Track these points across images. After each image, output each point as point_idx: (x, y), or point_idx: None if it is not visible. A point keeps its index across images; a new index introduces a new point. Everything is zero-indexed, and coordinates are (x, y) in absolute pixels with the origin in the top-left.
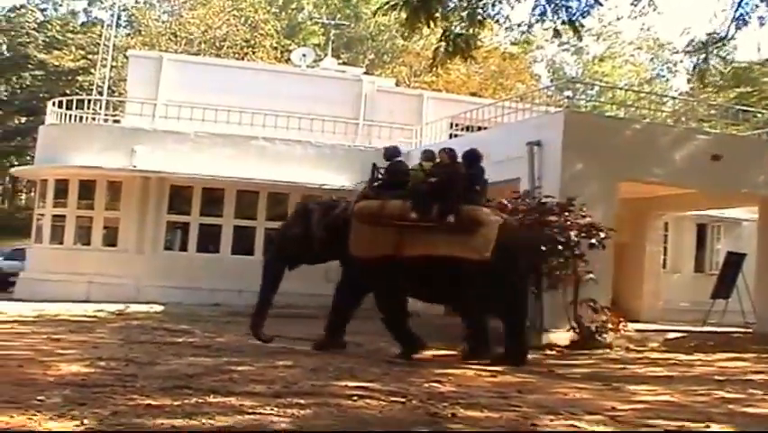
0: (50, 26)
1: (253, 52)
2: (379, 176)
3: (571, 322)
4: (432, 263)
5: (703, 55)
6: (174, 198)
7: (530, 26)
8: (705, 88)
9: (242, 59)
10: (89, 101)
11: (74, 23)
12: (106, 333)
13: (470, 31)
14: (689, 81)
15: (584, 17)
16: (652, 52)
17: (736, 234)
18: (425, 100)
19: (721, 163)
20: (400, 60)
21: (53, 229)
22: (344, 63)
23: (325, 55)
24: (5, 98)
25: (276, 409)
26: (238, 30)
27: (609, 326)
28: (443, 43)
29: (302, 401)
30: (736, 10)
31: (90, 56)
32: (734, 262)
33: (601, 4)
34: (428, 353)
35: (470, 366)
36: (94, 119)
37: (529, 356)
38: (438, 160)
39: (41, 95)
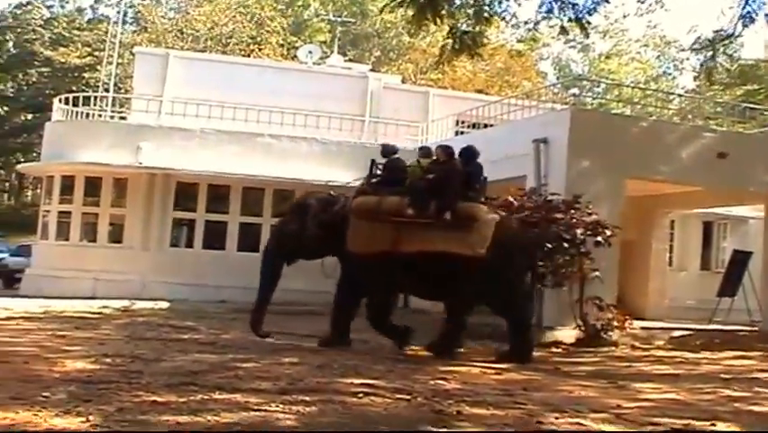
0: (56, 23)
1: (260, 49)
2: (378, 172)
3: (577, 320)
4: (428, 260)
5: (710, 53)
6: (180, 194)
7: (537, 23)
8: (712, 86)
9: (249, 56)
10: (95, 98)
11: (80, 20)
12: (112, 329)
13: (477, 28)
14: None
15: (591, 14)
16: (658, 50)
17: (742, 231)
18: (432, 97)
19: (727, 161)
20: (406, 58)
21: (59, 226)
22: (351, 60)
23: (332, 52)
24: (12, 95)
25: (281, 406)
26: (244, 27)
27: (615, 323)
28: (449, 40)
29: (307, 398)
30: (743, 7)
31: (96, 53)
32: (740, 260)
33: (608, 2)
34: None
35: (475, 364)
36: (100, 116)
37: (535, 354)
38: (435, 157)
39: (47, 91)
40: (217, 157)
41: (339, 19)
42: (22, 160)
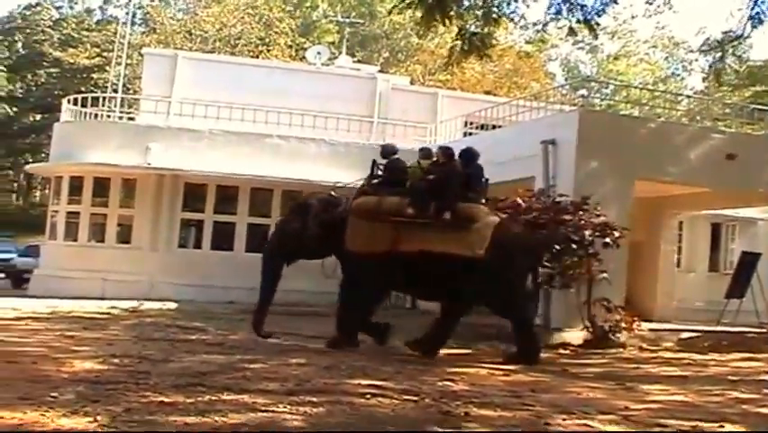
0: (65, 24)
1: (268, 50)
2: (378, 173)
3: (585, 321)
4: (427, 260)
5: (719, 54)
6: (188, 195)
7: (545, 25)
8: (720, 87)
9: (257, 57)
10: (104, 98)
11: (89, 21)
12: (120, 330)
13: (486, 29)
14: (704, 80)
15: (599, 16)
16: (667, 51)
17: (750, 233)
18: (440, 98)
19: (736, 162)
20: (415, 59)
21: (67, 226)
22: (359, 61)
23: (340, 53)
24: (21, 95)
25: (289, 406)
26: (253, 28)
27: (623, 325)
28: (458, 42)
29: (315, 399)
30: (752, 9)
31: (105, 54)
32: (748, 261)
33: (616, 3)
34: (442, 351)
35: (483, 365)
36: (109, 116)
37: (543, 355)
38: (435, 158)
39: (56, 92)
40: (226, 158)
41: (347, 20)
42: (31, 160)
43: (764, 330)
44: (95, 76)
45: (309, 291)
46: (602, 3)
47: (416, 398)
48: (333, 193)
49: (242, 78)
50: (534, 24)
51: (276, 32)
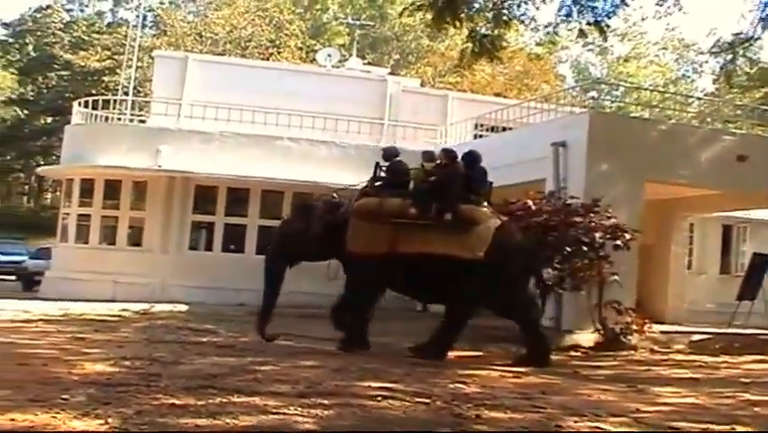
0: (75, 27)
1: (278, 52)
2: (381, 175)
3: (596, 323)
4: (428, 262)
5: (730, 55)
6: (199, 197)
7: (555, 26)
8: (731, 89)
9: (267, 59)
10: (115, 101)
11: (100, 24)
12: (131, 332)
13: (496, 31)
14: (714, 82)
15: (610, 18)
16: (677, 53)
17: (762, 235)
18: (450, 100)
19: (747, 164)
20: (425, 61)
21: (79, 228)
22: (369, 63)
23: (350, 55)
24: (32, 98)
25: (300, 409)
26: (263, 30)
27: (634, 327)
28: (469, 44)
29: (326, 402)
30: (763, 10)
31: (116, 56)
32: (759, 263)
33: (627, 5)
34: (452, 354)
35: (494, 367)
36: (119, 119)
37: (554, 357)
38: (438, 160)
39: (66, 95)
40: (236, 160)
41: (358, 22)
42: (42, 163)
43: None
44: (105, 78)
45: (318, 293)
46: (613, 4)
47: (427, 400)
48: (335, 195)
49: (252, 80)
50: (545, 26)
51: (286, 35)
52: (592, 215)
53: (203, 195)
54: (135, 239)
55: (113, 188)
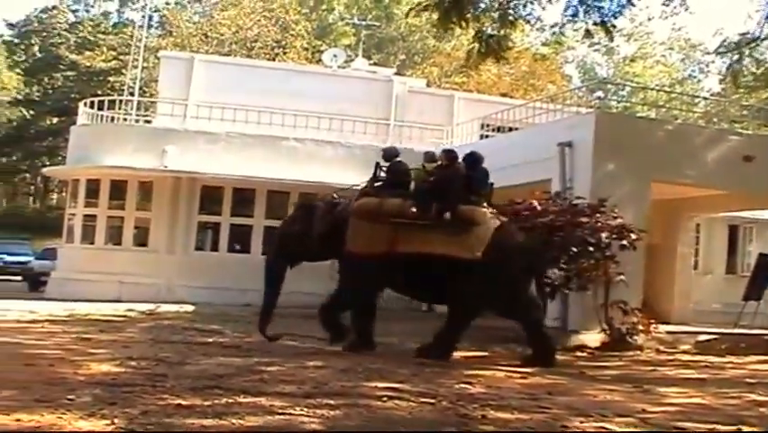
0: (81, 27)
1: (284, 53)
2: (381, 175)
3: (602, 324)
4: (427, 262)
5: (736, 56)
6: (205, 198)
7: (562, 27)
8: (738, 89)
9: (273, 59)
10: (121, 101)
11: (105, 24)
12: (137, 332)
13: (502, 32)
14: (721, 82)
15: (616, 18)
16: (683, 53)
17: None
18: (456, 101)
19: (753, 164)
20: (431, 61)
21: (84, 229)
22: (375, 64)
23: (356, 56)
24: (38, 99)
25: (306, 409)
26: (269, 31)
27: (640, 327)
28: (476, 44)
29: (332, 402)
30: None
31: (122, 57)
32: (765, 263)
33: (633, 5)
34: (458, 354)
35: (500, 368)
36: (125, 119)
37: (560, 357)
38: (439, 161)
39: (72, 95)
40: (242, 160)
41: (364, 23)
42: (48, 163)
43: None
44: (111, 79)
45: (321, 294)
46: (619, 4)
47: (433, 400)
48: (335, 195)
49: (258, 80)
50: (551, 26)
51: (292, 35)
52: (598, 215)
53: (209, 195)
54: (141, 239)
55: (118, 189)
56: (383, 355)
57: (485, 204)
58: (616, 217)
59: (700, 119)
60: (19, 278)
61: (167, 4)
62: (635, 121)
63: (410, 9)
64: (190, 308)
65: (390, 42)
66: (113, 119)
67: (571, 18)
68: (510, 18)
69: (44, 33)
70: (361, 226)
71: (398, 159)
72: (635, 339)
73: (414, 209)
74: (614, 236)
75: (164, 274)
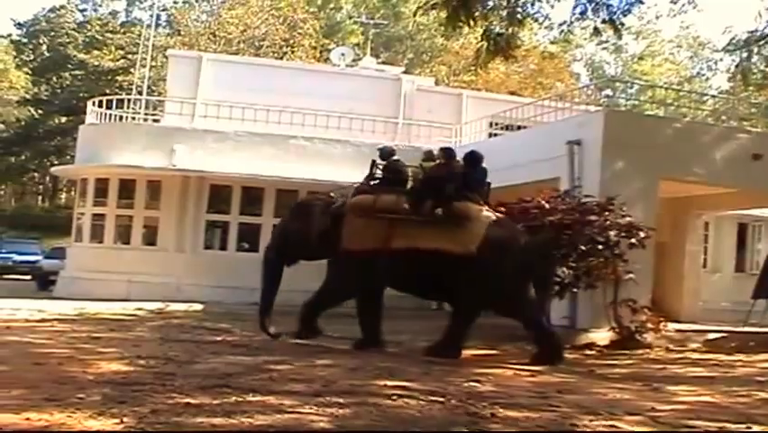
0: (89, 26)
1: (292, 52)
2: (377, 173)
3: (611, 322)
4: (423, 258)
5: (745, 53)
6: (213, 197)
7: (570, 25)
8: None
9: (281, 58)
10: (129, 101)
11: (114, 24)
12: (146, 331)
13: (510, 30)
14: (729, 79)
15: (625, 15)
16: (692, 50)
17: None
18: (465, 99)
19: (762, 162)
20: (439, 59)
21: (93, 228)
22: (383, 62)
23: (364, 54)
24: (46, 98)
25: (315, 408)
26: (277, 29)
27: (649, 326)
28: (484, 43)
29: (341, 401)
30: None
31: (130, 56)
32: None
33: (642, 2)
34: (467, 352)
35: (509, 366)
36: (133, 118)
37: (569, 356)
38: (437, 159)
39: (80, 94)
40: (251, 159)
41: (372, 21)
42: (57, 162)
43: None
44: (119, 78)
45: None
46: (627, 3)
47: (442, 399)
48: (332, 193)
49: (266, 79)
50: (559, 25)
51: (300, 34)
52: (607, 213)
53: (217, 194)
54: (150, 238)
55: (127, 188)
56: (392, 354)
57: (481, 202)
58: (624, 216)
59: (709, 117)
60: (28, 277)
61: (174, 3)
62: (644, 119)
63: (418, 7)
64: (199, 306)
65: (398, 41)
66: (121, 118)
67: (579, 16)
68: (518, 16)
69: (52, 33)
70: (356, 223)
71: (395, 157)
72: (644, 337)
73: (407, 205)
74: (623, 235)
75: (173, 273)
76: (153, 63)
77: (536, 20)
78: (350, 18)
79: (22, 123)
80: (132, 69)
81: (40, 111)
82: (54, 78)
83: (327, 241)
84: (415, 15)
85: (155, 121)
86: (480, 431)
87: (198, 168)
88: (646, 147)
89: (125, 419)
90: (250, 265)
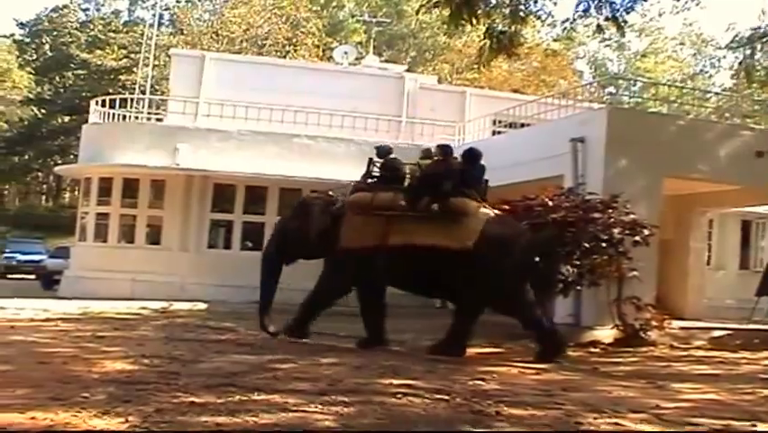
0: (92, 26)
1: (295, 50)
2: (374, 171)
3: (615, 319)
4: (420, 255)
5: (749, 51)
6: (217, 196)
7: (573, 22)
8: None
9: (284, 57)
10: (132, 100)
11: (116, 23)
12: (150, 330)
13: (513, 28)
14: (732, 77)
15: (628, 13)
16: (695, 48)
17: None
18: (468, 97)
19: (766, 159)
20: (442, 58)
21: (97, 227)
22: (386, 61)
23: (367, 53)
24: (49, 98)
25: (320, 406)
26: (279, 28)
27: (653, 323)
28: (487, 41)
29: (346, 399)
30: None
31: (132, 55)
32: None
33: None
34: (472, 350)
35: (514, 364)
36: (137, 118)
37: (573, 353)
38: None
39: (83, 94)
40: (254, 158)
41: (374, 20)
42: (60, 162)
43: None
44: (122, 77)
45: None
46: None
47: (447, 397)
48: (330, 193)
49: (269, 78)
50: (562, 22)
51: (303, 32)
52: (611, 211)
53: (221, 193)
54: (154, 238)
55: (131, 187)
56: (396, 352)
57: (479, 198)
58: (628, 213)
59: (712, 114)
60: (32, 277)
61: (177, 2)
62: (647, 116)
63: (421, 6)
64: (203, 305)
65: (401, 39)
66: (124, 117)
67: (582, 13)
68: (521, 14)
69: (55, 32)
70: (354, 221)
71: (393, 155)
72: (648, 335)
73: (404, 202)
74: (626, 232)
75: (177, 272)
76: (156, 62)
77: (539, 17)
78: (352, 16)
79: (26, 122)
80: (134, 69)
81: (43, 110)
82: (57, 78)
83: (326, 240)
84: (417, 13)
85: (158, 120)
86: (485, 430)
87: (202, 167)
88: (650, 144)
89: (130, 418)
90: (254, 264)
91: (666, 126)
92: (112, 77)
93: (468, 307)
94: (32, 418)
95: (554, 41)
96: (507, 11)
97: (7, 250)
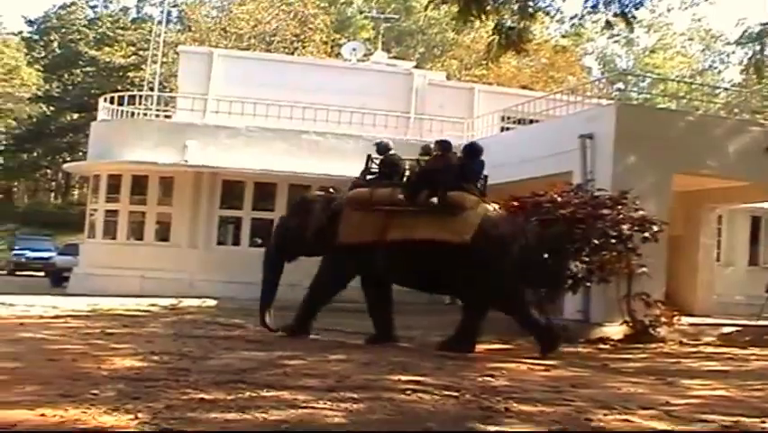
0: (100, 23)
1: (303, 47)
2: (373, 167)
3: (625, 316)
4: (419, 249)
5: (758, 46)
6: (226, 192)
7: (581, 18)
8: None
9: (292, 53)
10: (140, 97)
11: (124, 20)
12: (159, 327)
13: (522, 24)
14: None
15: (636, 8)
16: (704, 43)
17: None
18: (476, 93)
19: None
20: (451, 54)
21: (106, 224)
22: (395, 57)
23: (376, 49)
24: (57, 95)
25: (329, 403)
26: (287, 24)
27: (663, 319)
28: (495, 37)
29: (355, 395)
30: None
31: (141, 52)
32: None
33: None
34: (481, 347)
35: (523, 360)
36: (145, 115)
37: (582, 350)
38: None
39: (92, 91)
40: (263, 155)
41: (383, 16)
42: (69, 159)
43: None
44: (131, 74)
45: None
46: None
47: (456, 393)
48: (331, 190)
49: (277, 74)
50: (571, 18)
51: (311, 29)
52: (620, 207)
53: (230, 190)
54: (163, 234)
55: (140, 184)
56: (405, 349)
57: (477, 193)
58: (637, 209)
59: (721, 110)
60: (41, 274)
61: None
62: (656, 112)
63: (429, 2)
64: (212, 302)
65: (409, 36)
66: (133, 114)
67: (590, 9)
68: (530, 10)
69: (63, 29)
70: (353, 216)
71: (392, 152)
72: (657, 331)
73: (402, 196)
74: (636, 228)
75: (186, 269)
76: (164, 59)
77: (548, 13)
78: (361, 13)
79: (34, 120)
80: (143, 66)
81: (51, 108)
82: (65, 75)
83: (324, 236)
84: (426, 9)
85: (167, 117)
86: (495, 426)
87: (211, 164)
88: (659, 140)
89: (140, 415)
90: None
91: (675, 122)
92: (120, 74)
93: (478, 303)
94: (42, 414)
95: (563, 37)
96: (515, 7)
97: (16, 247)
